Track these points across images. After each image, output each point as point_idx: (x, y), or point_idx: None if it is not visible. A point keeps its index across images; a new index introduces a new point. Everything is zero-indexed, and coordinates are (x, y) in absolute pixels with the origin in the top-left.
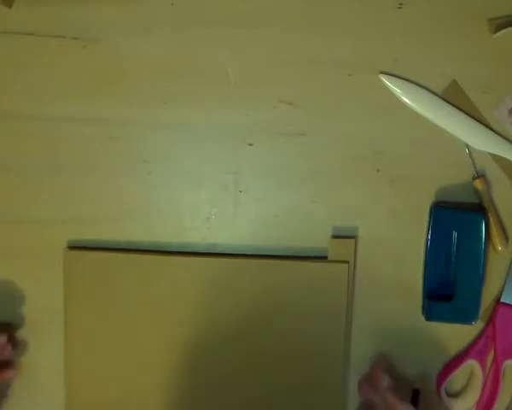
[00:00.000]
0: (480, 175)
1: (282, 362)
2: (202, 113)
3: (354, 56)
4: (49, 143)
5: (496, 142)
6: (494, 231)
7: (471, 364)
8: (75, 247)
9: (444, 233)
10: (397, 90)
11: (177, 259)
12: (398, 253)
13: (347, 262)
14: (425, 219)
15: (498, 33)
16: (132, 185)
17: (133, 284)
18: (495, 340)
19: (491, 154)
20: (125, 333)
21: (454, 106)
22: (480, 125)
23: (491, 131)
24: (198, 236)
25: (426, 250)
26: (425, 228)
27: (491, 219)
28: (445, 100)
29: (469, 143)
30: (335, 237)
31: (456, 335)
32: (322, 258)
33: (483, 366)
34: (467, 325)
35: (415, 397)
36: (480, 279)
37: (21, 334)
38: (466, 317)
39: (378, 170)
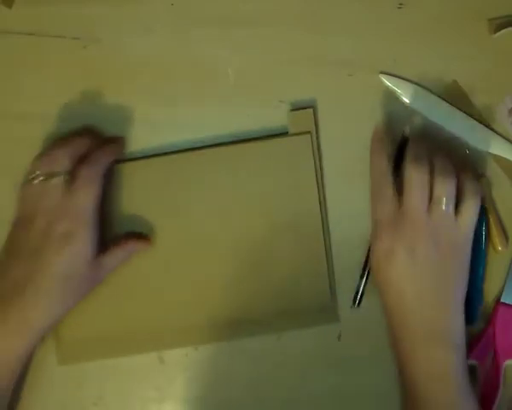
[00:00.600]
0: (481, 175)
1: (266, 251)
2: (202, 113)
3: (354, 56)
4: (49, 142)
5: (496, 142)
6: (494, 231)
7: (471, 364)
8: None
9: None
10: (397, 90)
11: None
12: None
13: (309, 133)
14: None
15: (498, 33)
16: None
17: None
18: (495, 340)
19: (491, 154)
20: None
21: (454, 106)
22: (480, 125)
23: (491, 131)
24: None
25: None
26: None
27: (492, 219)
28: (445, 100)
29: (469, 143)
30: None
31: None
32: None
33: (483, 365)
34: (467, 325)
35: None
36: (480, 280)
37: None
38: (466, 318)
39: None
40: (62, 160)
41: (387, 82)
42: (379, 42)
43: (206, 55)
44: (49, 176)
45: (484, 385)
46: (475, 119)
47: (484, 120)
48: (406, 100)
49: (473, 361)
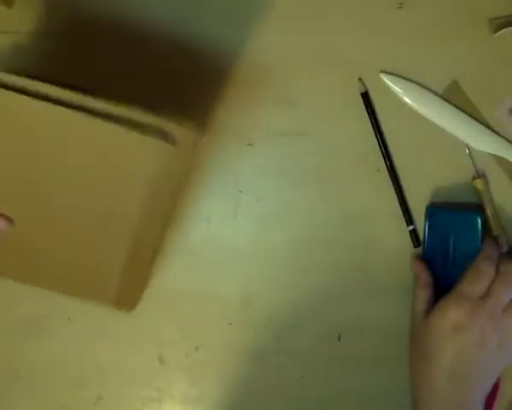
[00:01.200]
0: (481, 175)
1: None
2: (202, 112)
3: (354, 56)
4: None
5: (496, 142)
6: (494, 231)
7: None
8: None
9: (440, 234)
10: (397, 90)
11: None
12: (399, 255)
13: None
14: (422, 217)
15: (498, 33)
16: None
17: None
18: None
19: (491, 154)
20: None
21: (454, 106)
22: (480, 125)
23: (491, 131)
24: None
25: (423, 251)
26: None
27: (492, 219)
28: (445, 100)
29: (469, 144)
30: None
31: None
32: None
33: None
34: None
35: None
36: None
37: (20, 334)
38: None
39: (378, 170)
40: None
41: (388, 81)
42: (379, 42)
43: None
44: None
45: None
46: (475, 119)
47: (484, 120)
48: (406, 100)
49: None
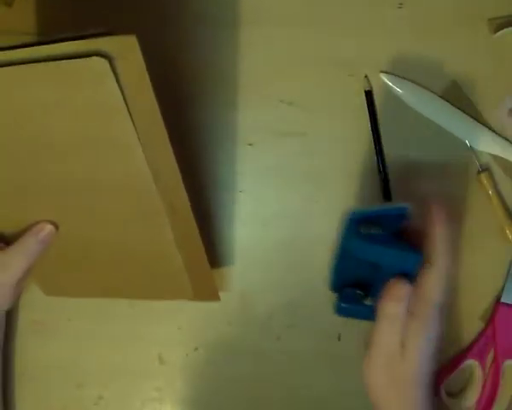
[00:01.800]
0: (484, 169)
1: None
2: (202, 113)
3: (354, 56)
4: None
5: (496, 142)
6: (504, 224)
7: (471, 364)
8: None
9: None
10: (397, 90)
11: None
12: None
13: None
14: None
15: (498, 33)
16: None
17: None
18: (495, 340)
19: (491, 154)
20: None
21: (454, 106)
22: (480, 125)
23: (491, 132)
24: None
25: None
26: None
27: (500, 212)
28: (445, 100)
29: (469, 144)
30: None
31: (455, 334)
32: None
33: (483, 365)
34: (466, 325)
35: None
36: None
37: (21, 334)
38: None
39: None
40: None
41: (388, 81)
42: (379, 42)
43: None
44: None
45: (484, 385)
46: (475, 119)
47: (484, 120)
48: (406, 100)
49: (473, 361)
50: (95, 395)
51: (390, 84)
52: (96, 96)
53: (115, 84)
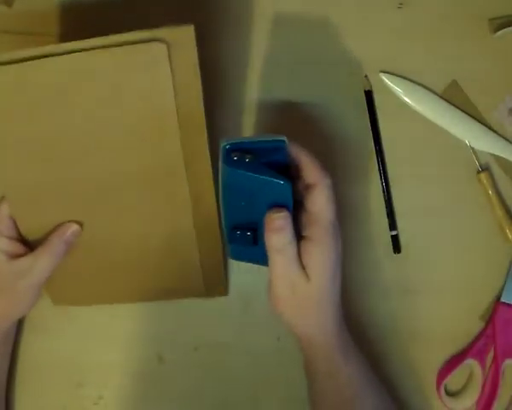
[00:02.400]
0: (484, 169)
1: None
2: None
3: (354, 56)
4: None
5: (496, 142)
6: (503, 223)
7: (471, 363)
8: None
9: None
10: (397, 90)
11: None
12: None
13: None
14: (422, 217)
15: (498, 33)
16: None
17: None
18: (495, 339)
19: (491, 154)
20: None
21: (454, 106)
22: (480, 125)
23: (491, 131)
24: None
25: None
26: (422, 227)
27: (500, 212)
28: (445, 100)
29: (469, 144)
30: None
31: (455, 334)
32: None
33: (483, 365)
34: (466, 325)
35: None
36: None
37: (21, 333)
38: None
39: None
40: None
41: (388, 81)
42: (379, 42)
43: None
44: None
45: (484, 385)
46: (475, 119)
47: (484, 120)
48: (406, 99)
49: (473, 361)
50: (95, 395)
51: (390, 84)
52: (149, 81)
53: (168, 70)
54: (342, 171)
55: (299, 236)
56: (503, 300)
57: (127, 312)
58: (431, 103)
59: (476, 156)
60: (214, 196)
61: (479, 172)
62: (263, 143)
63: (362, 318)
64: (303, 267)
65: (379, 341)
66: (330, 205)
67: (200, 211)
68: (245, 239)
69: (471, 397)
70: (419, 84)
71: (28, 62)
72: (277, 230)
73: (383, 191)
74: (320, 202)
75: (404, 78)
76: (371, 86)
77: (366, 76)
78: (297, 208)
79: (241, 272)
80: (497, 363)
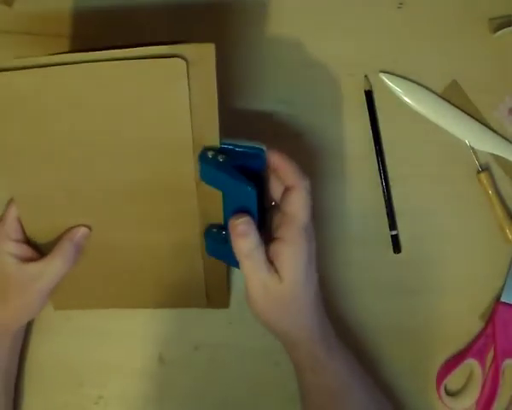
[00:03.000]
0: (484, 169)
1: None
2: None
3: (354, 56)
4: None
5: (496, 142)
6: (503, 223)
7: (471, 363)
8: None
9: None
10: (397, 90)
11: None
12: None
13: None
14: (422, 217)
15: (498, 33)
16: None
17: None
18: (495, 339)
19: (491, 154)
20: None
21: (454, 106)
22: (480, 125)
23: (491, 131)
24: None
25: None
26: (422, 226)
27: (500, 212)
28: (445, 100)
29: (469, 143)
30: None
31: (455, 334)
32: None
33: (483, 365)
34: (466, 325)
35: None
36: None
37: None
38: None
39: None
40: None
41: (388, 81)
42: (379, 42)
43: None
44: None
45: (484, 385)
46: (475, 119)
47: (484, 120)
48: (406, 99)
49: (473, 361)
50: (95, 395)
51: (390, 84)
52: (166, 96)
53: (186, 87)
54: (342, 171)
55: (270, 238)
56: (503, 300)
57: (127, 312)
58: (431, 103)
59: (476, 156)
60: (221, 210)
61: (479, 172)
62: (242, 148)
63: (361, 318)
64: (275, 269)
65: (379, 341)
66: (306, 207)
67: (207, 224)
68: (219, 237)
69: (471, 397)
70: (419, 84)
71: (47, 68)
72: (241, 235)
73: (383, 191)
74: (296, 203)
75: (404, 78)
76: (371, 86)
77: (366, 76)
78: (270, 212)
79: (240, 271)
80: (497, 363)
